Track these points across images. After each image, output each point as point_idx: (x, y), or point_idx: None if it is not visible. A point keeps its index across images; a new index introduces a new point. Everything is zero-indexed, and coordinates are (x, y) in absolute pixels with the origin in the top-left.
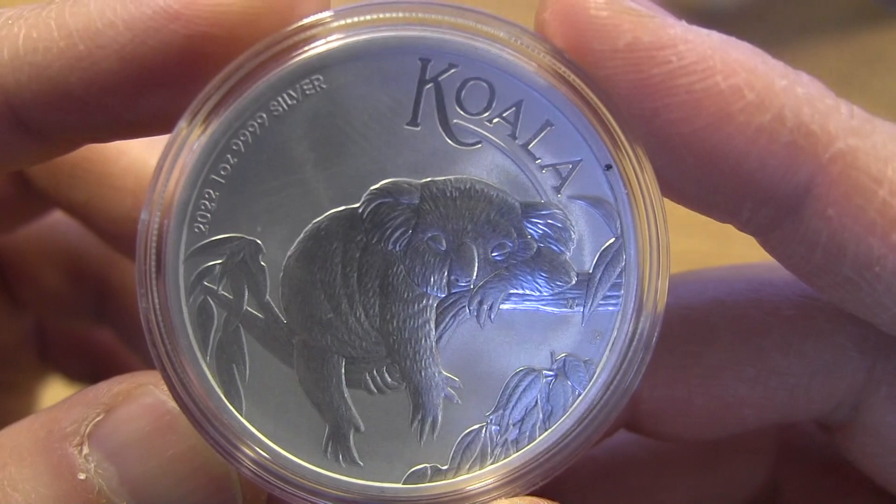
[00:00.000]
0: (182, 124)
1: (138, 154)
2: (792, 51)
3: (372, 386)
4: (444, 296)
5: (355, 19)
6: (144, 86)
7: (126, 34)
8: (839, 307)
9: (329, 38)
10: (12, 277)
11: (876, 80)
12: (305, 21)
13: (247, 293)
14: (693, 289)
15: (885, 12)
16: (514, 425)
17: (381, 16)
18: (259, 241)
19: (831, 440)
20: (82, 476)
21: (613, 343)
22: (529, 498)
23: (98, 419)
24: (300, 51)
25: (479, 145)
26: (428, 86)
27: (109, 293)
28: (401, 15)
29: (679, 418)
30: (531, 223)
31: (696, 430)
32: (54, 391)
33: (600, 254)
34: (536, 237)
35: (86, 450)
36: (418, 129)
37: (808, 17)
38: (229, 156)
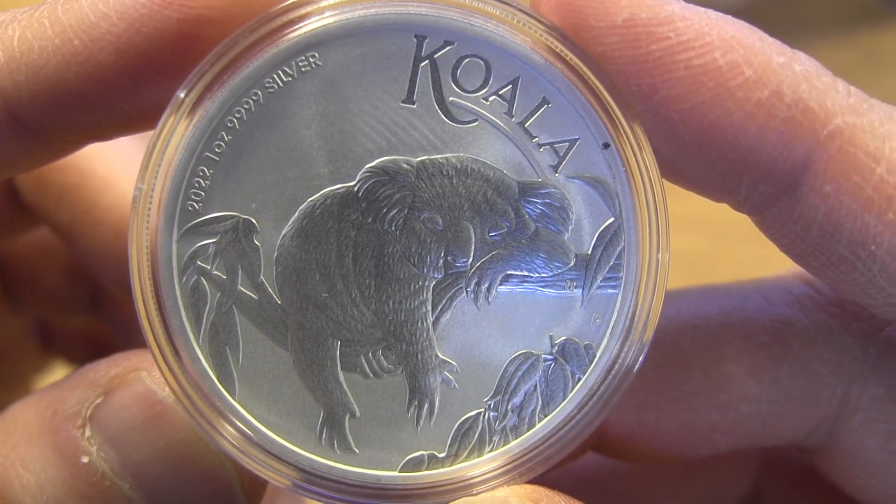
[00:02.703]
0: (175, 101)
1: (125, 191)
2: None
3: (367, 369)
4: (440, 277)
5: None
6: (142, 75)
7: (120, 24)
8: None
9: (324, 15)
10: (12, 277)
11: (876, 80)
12: None
13: (240, 273)
14: (665, 313)
15: (885, 12)
16: (512, 411)
17: None
18: (253, 220)
19: (809, 460)
20: (85, 459)
21: (614, 326)
22: (529, 486)
23: (98, 401)
24: (295, 27)
25: (476, 123)
26: (423, 63)
27: (104, 290)
28: None
29: (648, 442)
30: (529, 203)
31: (665, 453)
32: None
33: (599, 234)
34: (534, 217)
35: (88, 432)
36: (414, 106)
37: (809, 17)
38: (224, 133)
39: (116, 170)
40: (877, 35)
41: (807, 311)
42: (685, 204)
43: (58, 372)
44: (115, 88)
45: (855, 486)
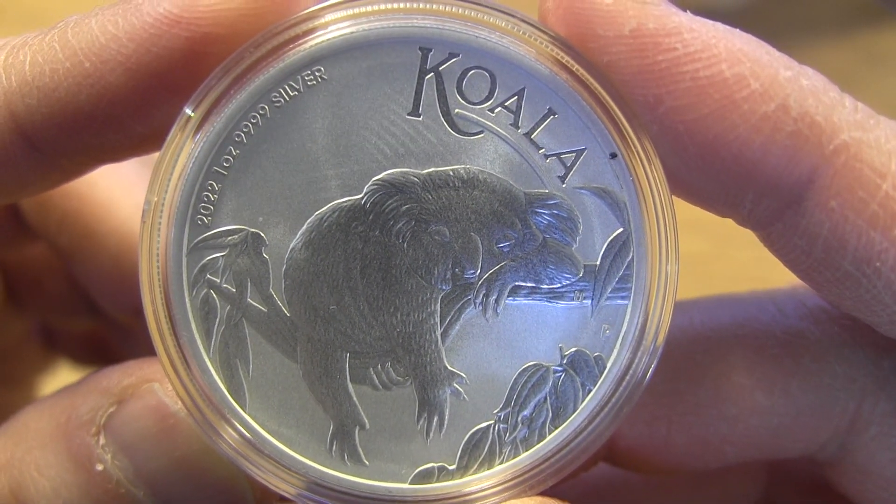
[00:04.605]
0: (183, 116)
1: (126, 217)
2: (792, 51)
3: (377, 381)
4: (448, 288)
5: (356, 10)
6: (153, 94)
7: (129, 45)
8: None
9: (329, 30)
10: (16, 282)
11: (876, 80)
12: (306, 12)
13: (249, 286)
14: (677, 323)
15: (885, 12)
16: (523, 423)
17: (381, 6)
18: (262, 233)
19: (820, 472)
20: (100, 467)
21: (624, 337)
22: (539, 498)
23: (111, 410)
24: (301, 41)
25: (482, 135)
26: (429, 76)
27: None
28: (401, 5)
29: (658, 454)
30: (536, 214)
31: (676, 465)
32: (59, 384)
33: (608, 245)
34: (542, 228)
35: (102, 440)
36: (420, 119)
37: (809, 17)
38: (231, 147)
39: (117, 197)
40: (877, 35)
41: (820, 324)
42: (686, 206)
43: (60, 372)
44: (126, 109)
45: (866, 499)
